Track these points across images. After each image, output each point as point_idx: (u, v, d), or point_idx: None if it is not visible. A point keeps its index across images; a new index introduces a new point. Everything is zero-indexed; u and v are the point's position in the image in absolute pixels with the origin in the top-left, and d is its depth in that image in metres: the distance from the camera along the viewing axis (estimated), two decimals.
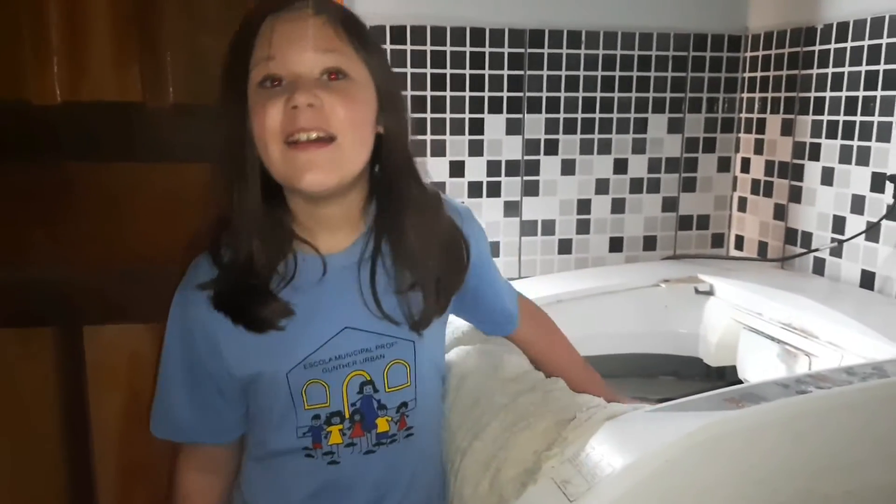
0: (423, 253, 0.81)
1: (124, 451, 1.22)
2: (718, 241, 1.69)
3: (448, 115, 1.48)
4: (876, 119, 1.29)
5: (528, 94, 1.51)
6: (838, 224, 1.37)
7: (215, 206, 0.79)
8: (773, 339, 1.18)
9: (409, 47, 1.42)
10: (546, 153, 1.55)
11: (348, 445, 0.82)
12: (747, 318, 1.24)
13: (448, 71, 1.46)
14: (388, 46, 1.41)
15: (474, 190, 1.52)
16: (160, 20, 1.13)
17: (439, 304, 0.84)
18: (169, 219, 1.12)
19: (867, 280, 1.31)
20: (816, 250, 1.41)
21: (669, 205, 1.64)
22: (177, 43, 1.14)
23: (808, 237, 1.45)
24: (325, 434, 0.81)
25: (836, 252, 1.37)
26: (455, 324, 1.05)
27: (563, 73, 1.52)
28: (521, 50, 1.49)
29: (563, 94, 1.53)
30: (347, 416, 0.81)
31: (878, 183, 1.29)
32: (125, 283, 0.92)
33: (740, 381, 1.26)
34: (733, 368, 1.30)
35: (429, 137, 1.47)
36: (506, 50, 1.48)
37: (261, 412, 0.84)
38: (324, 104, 0.73)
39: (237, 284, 0.78)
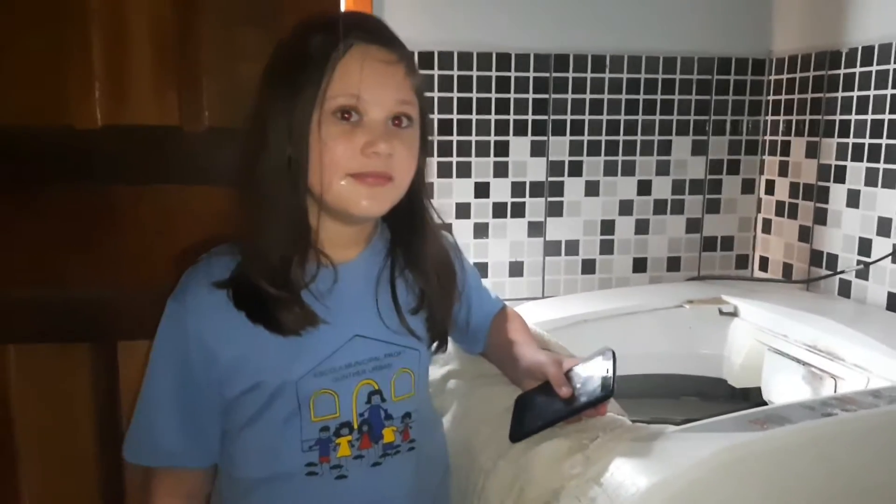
0: (435, 270, 0.86)
1: None
2: (742, 262, 1.69)
3: (474, 138, 1.50)
4: None
5: (552, 116, 1.53)
6: (864, 246, 1.36)
7: (247, 213, 0.80)
8: (798, 361, 1.18)
9: (436, 72, 1.45)
10: (570, 174, 1.56)
11: (357, 458, 0.81)
12: (772, 340, 1.24)
13: (474, 95, 1.48)
14: None
15: (499, 210, 1.54)
16: (198, 48, 1.17)
17: (450, 319, 0.88)
18: (202, 240, 1.14)
19: (894, 302, 1.30)
20: (842, 272, 1.41)
21: (693, 226, 1.64)
22: (213, 69, 1.18)
23: (833, 259, 1.44)
24: (334, 447, 0.80)
25: (863, 274, 1.36)
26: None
27: (588, 96, 1.54)
28: (546, 74, 1.51)
29: (587, 117, 1.54)
30: (356, 426, 0.81)
31: None
32: (160, 301, 0.95)
33: (764, 403, 1.25)
34: (757, 390, 1.30)
35: (455, 159, 1.50)
36: (531, 74, 1.50)
37: (254, 429, 0.81)
38: (394, 150, 0.77)
39: (266, 284, 0.78)
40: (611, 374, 0.80)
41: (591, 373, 0.83)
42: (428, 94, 1.44)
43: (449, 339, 1.04)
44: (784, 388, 1.21)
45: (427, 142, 0.85)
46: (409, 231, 0.85)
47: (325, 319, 0.79)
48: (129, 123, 1.16)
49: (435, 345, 0.88)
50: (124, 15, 1.15)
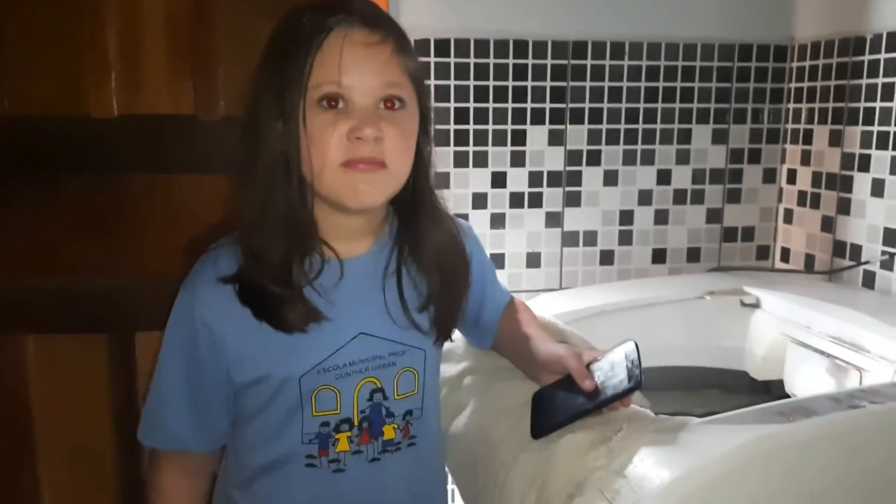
0: (442, 264, 0.84)
1: None
2: (763, 253, 1.66)
3: (491, 127, 1.49)
4: None
5: (570, 105, 1.51)
6: (889, 236, 1.34)
7: (246, 207, 0.79)
8: (822, 352, 1.16)
9: (452, 60, 1.44)
10: (588, 164, 1.54)
11: (355, 453, 0.82)
12: (795, 332, 1.23)
13: (491, 83, 1.47)
14: (432, 59, 1.43)
15: (516, 200, 1.53)
16: (212, 38, 1.17)
17: (458, 314, 0.86)
18: (218, 228, 1.14)
19: None
20: (867, 263, 1.38)
21: (714, 216, 1.62)
22: (228, 59, 1.17)
23: (857, 249, 1.42)
24: (333, 441, 0.82)
25: (887, 265, 1.34)
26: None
27: (607, 83, 1.52)
28: (565, 61, 1.49)
29: (605, 105, 1.53)
30: (357, 423, 0.82)
31: None
32: (176, 291, 0.96)
33: (787, 396, 1.24)
34: (779, 382, 1.28)
35: (471, 148, 1.49)
36: (549, 62, 1.48)
37: (263, 419, 0.82)
38: (384, 135, 0.75)
39: (268, 282, 0.78)
40: (636, 365, 0.79)
41: (614, 365, 0.82)
42: (443, 82, 1.43)
43: (460, 335, 1.04)
44: (807, 380, 1.19)
45: (428, 127, 0.83)
46: (413, 222, 0.84)
47: (328, 316, 0.79)
48: (145, 113, 1.17)
49: (439, 337, 0.86)
50: (139, 5, 1.15)
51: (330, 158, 0.75)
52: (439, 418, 0.95)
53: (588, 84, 1.51)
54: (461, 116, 1.47)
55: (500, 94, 1.48)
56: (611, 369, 0.82)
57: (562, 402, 0.83)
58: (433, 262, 0.84)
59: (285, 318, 0.78)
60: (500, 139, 1.50)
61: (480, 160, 1.50)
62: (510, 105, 1.49)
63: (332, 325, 0.80)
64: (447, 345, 1.06)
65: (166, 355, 0.84)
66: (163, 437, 0.85)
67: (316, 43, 0.74)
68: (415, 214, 0.84)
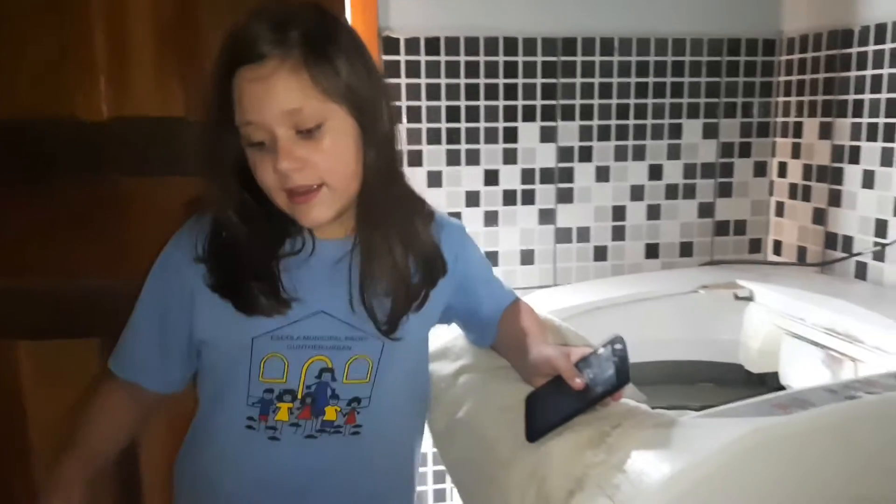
0: (401, 263, 0.85)
1: (169, 460, 1.24)
2: (756, 246, 1.67)
3: (482, 125, 1.48)
4: None
5: (561, 101, 1.51)
6: (881, 227, 1.35)
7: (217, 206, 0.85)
8: (816, 344, 1.17)
9: (443, 58, 1.44)
10: (580, 160, 1.55)
11: (292, 425, 0.85)
12: (789, 324, 1.23)
13: (482, 81, 1.47)
14: (422, 57, 1.42)
15: (509, 198, 1.52)
16: (199, 39, 1.16)
17: (405, 310, 0.87)
18: None
19: None
20: (859, 254, 1.39)
21: (706, 210, 1.63)
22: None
23: (849, 241, 1.42)
24: (274, 409, 0.85)
25: (879, 256, 1.34)
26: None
27: (597, 80, 1.52)
28: (554, 58, 1.49)
29: (596, 101, 1.53)
30: (300, 396, 0.85)
31: None
32: None
33: (782, 388, 1.24)
34: (774, 375, 1.29)
35: (463, 146, 1.48)
36: (539, 59, 1.48)
37: (216, 375, 0.88)
38: (307, 160, 0.78)
39: (235, 267, 0.83)
40: (624, 360, 0.79)
41: (603, 361, 0.82)
42: (433, 81, 1.43)
43: (459, 332, 1.04)
44: (803, 372, 1.19)
45: (375, 129, 0.81)
46: (367, 221, 0.85)
47: (293, 295, 0.82)
48: (135, 115, 1.16)
49: (388, 329, 0.86)
50: (127, 6, 1.14)
51: (272, 188, 0.80)
52: (412, 426, 0.96)
53: (578, 80, 1.51)
54: (452, 114, 1.46)
55: (491, 92, 1.48)
56: (599, 366, 0.81)
57: (553, 403, 0.83)
58: (396, 260, 0.85)
59: (251, 305, 0.82)
60: (491, 137, 1.49)
61: (472, 158, 1.49)
62: (501, 102, 1.48)
63: (295, 297, 0.83)
64: (444, 342, 1.07)
65: (144, 297, 0.90)
66: (127, 365, 0.91)
67: (225, 89, 0.78)
68: (370, 209, 0.85)
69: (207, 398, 0.90)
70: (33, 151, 1.15)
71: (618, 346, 0.82)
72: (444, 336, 1.08)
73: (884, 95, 1.33)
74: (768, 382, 1.31)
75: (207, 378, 0.90)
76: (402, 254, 0.85)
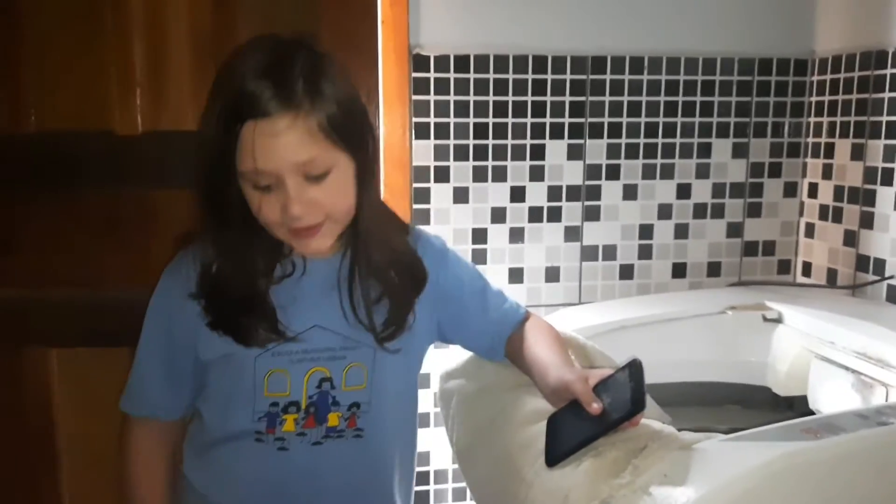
0: (385, 273, 0.90)
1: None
2: (785, 267, 1.65)
3: (510, 141, 1.49)
4: None
5: (590, 119, 1.51)
6: None
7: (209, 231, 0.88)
8: (846, 368, 1.15)
9: (472, 75, 1.45)
10: (608, 178, 1.54)
11: (299, 434, 0.89)
12: (819, 347, 1.21)
13: (510, 98, 1.47)
14: (451, 75, 1.43)
15: (535, 215, 1.53)
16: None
17: (402, 315, 0.91)
18: None
19: None
20: (891, 277, 1.37)
21: (734, 230, 1.61)
22: None
23: (880, 264, 1.40)
24: (280, 421, 0.89)
25: None
26: None
27: (626, 98, 1.52)
28: (584, 76, 1.49)
29: (625, 119, 1.52)
30: (304, 406, 0.89)
31: None
32: None
33: (810, 412, 1.22)
34: (802, 398, 1.27)
35: (490, 163, 1.49)
36: (568, 77, 1.48)
37: (221, 393, 0.91)
38: (315, 203, 0.82)
39: (230, 303, 0.86)
40: (640, 384, 0.78)
41: (619, 385, 0.81)
42: (462, 98, 1.43)
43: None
44: (832, 396, 1.17)
45: (366, 161, 0.86)
46: (360, 237, 0.89)
47: (289, 315, 0.87)
48: (169, 129, 1.18)
49: (383, 338, 0.90)
50: (164, 21, 1.17)
51: (275, 225, 0.83)
52: (405, 421, 0.98)
53: (607, 99, 1.51)
54: (480, 131, 1.47)
55: (519, 109, 1.48)
56: (616, 390, 0.81)
57: (571, 427, 0.82)
58: (380, 271, 0.90)
59: (248, 337, 0.86)
60: (518, 154, 1.50)
61: (499, 175, 1.50)
62: (529, 120, 1.49)
63: (289, 313, 0.88)
64: (464, 360, 1.07)
65: (147, 334, 0.94)
66: (140, 403, 0.95)
67: (235, 132, 0.79)
68: (360, 231, 0.89)
69: (213, 414, 0.93)
70: (68, 163, 1.18)
71: (634, 370, 0.81)
72: (465, 354, 1.08)
73: None
74: (796, 406, 1.29)
75: (212, 395, 0.93)
76: (387, 264, 0.91)
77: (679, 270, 1.60)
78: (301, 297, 0.89)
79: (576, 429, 0.81)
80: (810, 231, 1.61)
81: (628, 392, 0.79)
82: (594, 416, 0.80)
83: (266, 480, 0.90)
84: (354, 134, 0.84)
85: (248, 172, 0.80)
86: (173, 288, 0.91)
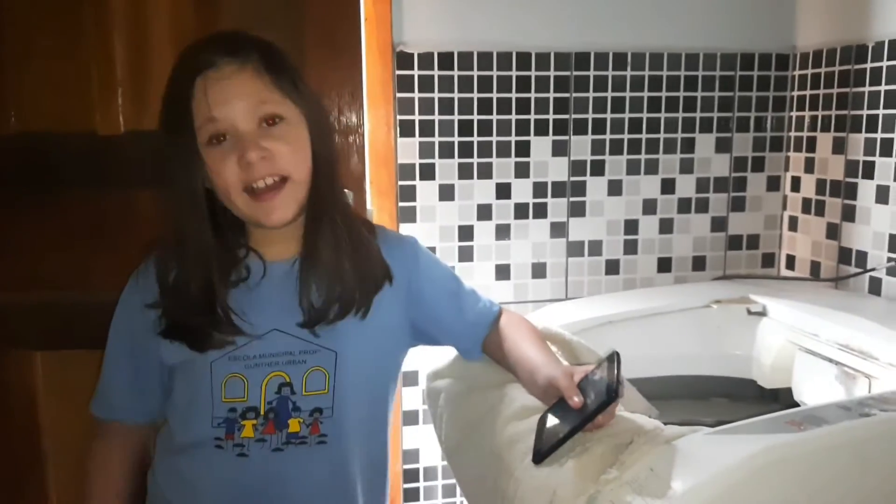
0: (340, 271, 0.89)
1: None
2: (769, 260, 1.66)
3: (494, 138, 1.49)
4: None
5: (574, 115, 1.52)
6: (895, 243, 1.34)
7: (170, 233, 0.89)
8: (830, 360, 1.16)
9: (456, 73, 1.45)
10: (593, 174, 1.55)
11: (259, 441, 0.88)
12: (803, 340, 1.22)
13: (495, 95, 1.47)
14: (436, 72, 1.43)
15: (520, 211, 1.53)
16: None
17: (343, 313, 0.90)
18: None
19: None
20: (873, 270, 1.38)
21: (718, 224, 1.62)
22: None
23: (862, 256, 1.42)
24: (239, 427, 0.88)
25: (894, 272, 1.34)
26: None
27: (609, 94, 1.52)
28: (567, 73, 1.50)
29: (609, 116, 1.53)
30: (262, 412, 0.88)
31: None
32: None
33: (795, 404, 1.23)
34: (787, 391, 1.28)
35: (475, 160, 1.49)
36: (552, 73, 1.49)
37: (183, 399, 0.91)
38: (271, 151, 0.82)
39: (186, 311, 0.87)
40: (616, 375, 0.79)
41: (600, 378, 0.82)
42: (447, 95, 1.43)
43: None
44: (816, 388, 1.18)
45: (325, 137, 0.89)
46: (317, 231, 0.89)
47: (245, 319, 0.87)
48: (152, 129, 1.17)
49: (323, 332, 0.89)
50: (146, 21, 1.16)
51: (232, 187, 0.83)
52: (373, 427, 0.96)
53: (591, 95, 1.52)
54: (465, 129, 1.47)
55: (504, 106, 1.48)
56: (597, 383, 0.82)
57: (557, 422, 0.83)
58: (334, 266, 0.89)
59: (202, 344, 0.87)
60: (503, 151, 1.50)
61: (485, 172, 1.50)
62: (514, 116, 1.49)
63: (248, 318, 0.87)
64: (451, 360, 1.07)
65: (112, 342, 0.96)
66: (107, 407, 0.97)
67: (186, 95, 0.82)
68: (318, 222, 0.89)
69: (176, 420, 0.93)
70: (50, 164, 1.17)
71: (612, 362, 0.82)
72: (452, 353, 1.09)
73: None
74: (781, 398, 1.30)
75: (176, 401, 0.93)
76: (347, 263, 0.90)
77: (664, 265, 1.61)
78: (260, 301, 0.89)
79: (560, 424, 0.82)
80: (793, 224, 1.63)
81: (605, 383, 0.80)
82: (576, 411, 0.80)
83: (227, 487, 0.89)
84: (308, 105, 0.87)
85: (205, 124, 0.82)
86: (134, 295, 0.93)
